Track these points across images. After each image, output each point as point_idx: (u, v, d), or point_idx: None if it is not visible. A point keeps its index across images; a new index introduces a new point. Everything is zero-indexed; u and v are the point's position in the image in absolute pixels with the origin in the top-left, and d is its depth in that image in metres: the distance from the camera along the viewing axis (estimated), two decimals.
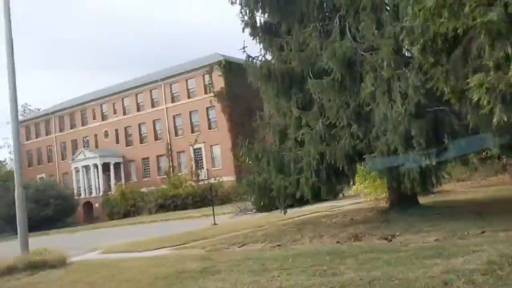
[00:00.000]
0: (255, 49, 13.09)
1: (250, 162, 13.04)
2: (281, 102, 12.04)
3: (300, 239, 9.70)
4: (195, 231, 15.88)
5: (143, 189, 46.60)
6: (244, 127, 43.91)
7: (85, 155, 50.46)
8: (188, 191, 40.59)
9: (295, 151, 11.18)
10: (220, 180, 41.33)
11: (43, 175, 57.42)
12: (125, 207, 44.15)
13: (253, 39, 12.73)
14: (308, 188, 10.86)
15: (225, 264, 7.45)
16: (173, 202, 40.82)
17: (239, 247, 10.04)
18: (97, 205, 48.98)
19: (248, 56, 12.92)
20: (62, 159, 57.02)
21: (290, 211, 14.78)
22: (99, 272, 8.17)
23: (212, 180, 42.59)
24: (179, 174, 46.29)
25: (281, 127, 12.50)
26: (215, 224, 17.93)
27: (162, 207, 41.28)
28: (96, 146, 53.01)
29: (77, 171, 51.59)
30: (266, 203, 20.93)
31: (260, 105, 45.92)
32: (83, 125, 55.58)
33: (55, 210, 42.88)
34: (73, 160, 51.75)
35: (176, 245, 12.06)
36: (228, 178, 42.14)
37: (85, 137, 55.17)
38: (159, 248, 11.81)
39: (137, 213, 43.11)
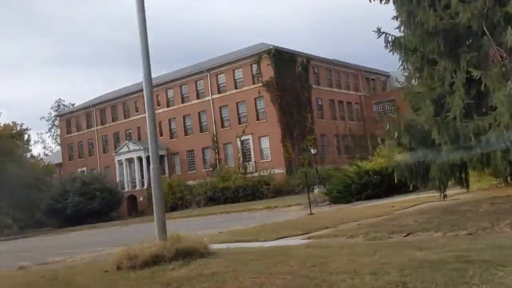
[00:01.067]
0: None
1: (400, 139, 11.41)
2: (443, 64, 10.21)
3: (490, 227, 8.25)
4: (297, 220, 14.58)
5: (189, 182, 45.75)
6: (294, 117, 42.76)
7: (129, 148, 49.81)
8: (239, 183, 39.45)
9: (474, 121, 9.42)
10: (272, 172, 40.06)
11: (84, 168, 57.06)
12: (172, 200, 43.24)
13: None
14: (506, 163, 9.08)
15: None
16: (223, 195, 39.78)
17: (405, 236, 8.66)
18: (141, 198, 48.27)
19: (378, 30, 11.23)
20: (104, 152, 56.57)
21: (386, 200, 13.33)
22: (275, 260, 6.82)
23: (261, 173, 41.45)
24: (225, 166, 45.25)
25: (435, 96, 10.66)
26: (311, 214, 16.48)
27: (212, 200, 40.32)
28: (139, 139, 52.28)
29: (120, 164, 50.99)
30: (347, 194, 19.75)
31: (308, 96, 44.85)
32: (125, 117, 54.96)
33: (101, 203, 42.34)
34: (116, 153, 51.16)
35: (301, 234, 10.76)
36: (278, 171, 40.86)
37: (128, 129, 54.54)
38: (285, 237, 10.53)
39: (185, 206, 42.23)
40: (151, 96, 9.08)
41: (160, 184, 8.99)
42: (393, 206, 14.43)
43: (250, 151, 44.43)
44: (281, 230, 11.74)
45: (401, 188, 20.85)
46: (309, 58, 45.99)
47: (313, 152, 34.69)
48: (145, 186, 48.39)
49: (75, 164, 58.72)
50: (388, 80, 59.47)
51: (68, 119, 61.74)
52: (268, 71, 42.79)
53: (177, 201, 43.03)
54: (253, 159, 43.98)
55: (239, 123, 45.18)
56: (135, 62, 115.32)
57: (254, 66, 44.08)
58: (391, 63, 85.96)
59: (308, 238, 10.06)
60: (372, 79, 56.80)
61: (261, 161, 43.43)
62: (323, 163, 44.08)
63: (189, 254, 7.70)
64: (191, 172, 48.15)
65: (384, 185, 19.73)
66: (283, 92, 42.60)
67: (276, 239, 10.53)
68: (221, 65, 46.46)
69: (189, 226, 20.79)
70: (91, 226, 36.58)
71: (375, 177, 19.60)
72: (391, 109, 52.34)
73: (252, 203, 34.27)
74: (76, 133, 59.87)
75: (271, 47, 42.50)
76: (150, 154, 8.75)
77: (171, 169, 50.20)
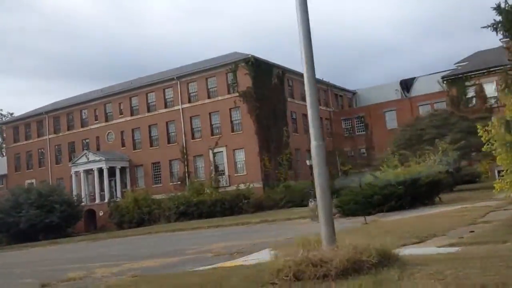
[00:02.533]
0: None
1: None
2: None
3: None
4: (362, 229, 12.60)
5: (154, 196, 42.57)
6: (271, 130, 41.07)
7: (88, 158, 45.98)
8: (216, 197, 36.92)
9: None
10: (251, 186, 37.91)
11: (33, 180, 52.26)
12: (138, 215, 39.97)
13: None
14: None
15: None
16: (197, 209, 37.10)
17: None
18: (101, 213, 44.50)
19: None
20: (57, 163, 52.15)
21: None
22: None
23: (238, 187, 39.21)
24: (195, 180, 42.61)
25: None
26: (366, 223, 14.47)
27: (184, 215, 37.50)
28: (98, 149, 48.59)
29: (77, 175, 46.93)
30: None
31: (283, 109, 43.33)
32: (82, 126, 51.03)
33: (60, 217, 38.29)
34: (73, 163, 47.07)
35: (418, 242, 8.83)
36: (255, 185, 38.76)
37: (85, 139, 50.65)
38: (405, 245, 8.54)
39: (153, 222, 39.06)
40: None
41: (327, 171, 6.73)
42: (464, 214, 12.79)
43: (223, 164, 42.13)
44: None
45: (422, 201, 19.59)
46: (284, 70, 44.70)
47: (308, 164, 32.97)
48: (106, 200, 44.77)
49: (22, 176, 53.72)
50: (354, 97, 59.43)
51: (15, 127, 56.66)
52: (245, 81, 41.00)
53: (144, 216, 39.76)
54: (226, 173, 41.69)
55: (212, 134, 42.86)
56: (70, 73, 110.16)
57: (230, 75, 42.15)
58: (356, 82, 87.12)
59: (450, 245, 8.09)
60: (340, 96, 56.46)
61: (235, 174, 41.24)
62: (297, 178, 42.64)
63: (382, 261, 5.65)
64: (156, 185, 45.03)
65: (407, 196, 18.31)
66: (261, 103, 40.89)
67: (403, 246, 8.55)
68: (192, 73, 44.13)
69: (195, 240, 18.35)
70: (51, 242, 32.71)
71: (400, 187, 18.15)
72: (360, 126, 52.06)
73: (233, 218, 31.91)
74: (25, 142, 54.96)
75: (249, 55, 40.79)
76: (313, 130, 6.54)
77: (133, 182, 46.80)
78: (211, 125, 43.07)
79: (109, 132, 48.88)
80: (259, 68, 41.36)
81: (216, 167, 42.32)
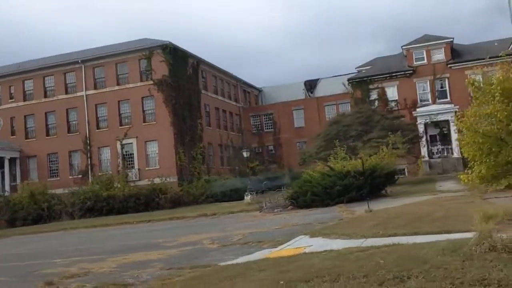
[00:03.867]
0: None
1: None
2: None
3: None
4: (363, 218, 11.86)
5: (51, 191, 38.14)
6: (186, 122, 39.31)
7: None
8: (130, 192, 34.07)
9: None
10: (166, 180, 35.66)
11: None
12: (35, 211, 35.41)
13: None
14: None
15: None
16: (107, 205, 33.92)
17: None
18: None
19: None
20: None
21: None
22: None
23: (144, 182, 36.81)
24: (99, 173, 39.18)
25: None
26: (370, 211, 13.50)
27: (90, 211, 34.08)
28: None
29: None
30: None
31: (198, 101, 41.72)
32: None
33: None
34: None
35: (444, 232, 8.25)
36: (169, 180, 36.58)
37: None
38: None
39: (53, 218, 34.95)
40: None
41: None
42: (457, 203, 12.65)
43: (133, 157, 39.21)
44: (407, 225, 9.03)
45: (376, 192, 19.61)
46: (199, 61, 43.06)
47: (245, 156, 31.67)
48: None
49: None
50: (260, 94, 59.60)
51: None
52: (161, 69, 38.60)
53: (42, 212, 35.36)
54: (136, 166, 38.85)
55: (121, 124, 39.71)
56: None
57: (143, 62, 39.40)
58: (262, 80, 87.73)
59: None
60: (248, 92, 56.19)
61: (147, 168, 38.63)
62: (209, 174, 41.36)
63: None
64: (52, 179, 40.46)
65: (366, 187, 18.16)
66: (177, 93, 38.84)
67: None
68: (100, 57, 40.47)
69: (149, 234, 16.30)
70: None
71: (360, 178, 17.92)
72: (269, 123, 52.20)
73: (153, 213, 29.65)
74: None
75: (167, 41, 38.49)
76: None
77: (25, 174, 41.62)
78: (119, 114, 39.87)
79: None
80: (176, 56, 39.25)
81: (124, 159, 39.25)
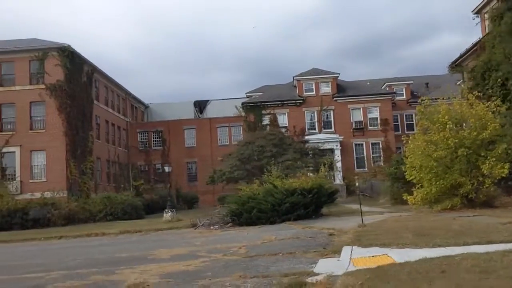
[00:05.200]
0: None
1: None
2: None
3: None
4: (361, 232, 12.20)
5: None
6: (79, 133, 36.63)
7: None
8: (16, 207, 30.07)
9: None
10: (57, 195, 32.38)
11: None
12: None
13: None
14: None
15: None
16: None
17: None
18: None
19: None
20: None
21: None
22: None
23: (27, 195, 33.17)
24: None
25: None
26: (364, 225, 13.49)
27: None
28: None
29: None
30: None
31: (90, 111, 39.22)
32: None
33: None
34: None
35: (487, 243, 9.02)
36: (58, 194, 33.31)
37: None
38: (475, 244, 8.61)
39: None
40: None
41: None
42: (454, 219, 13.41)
43: (15, 167, 34.97)
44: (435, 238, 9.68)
45: (319, 211, 20.07)
46: (94, 69, 40.47)
47: (167, 171, 29.93)
48: None
49: None
50: (147, 110, 57.86)
51: None
52: (55, 73, 35.43)
53: None
54: (18, 178, 34.68)
55: (1, 130, 35.30)
56: None
57: (34, 63, 35.78)
58: (147, 96, 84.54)
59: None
60: (135, 107, 54.18)
61: (31, 181, 34.77)
62: (97, 190, 38.81)
63: None
64: None
65: (312, 205, 18.71)
66: (72, 101, 35.91)
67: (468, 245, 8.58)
68: None
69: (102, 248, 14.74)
70: None
71: (309, 195, 18.35)
72: (157, 140, 50.79)
73: (46, 230, 26.62)
74: None
75: (66, 44, 35.55)
76: None
77: None
78: (1, 119, 35.45)
79: None
80: (72, 61, 36.41)
81: (3, 170, 34.81)
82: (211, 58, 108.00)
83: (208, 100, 59.13)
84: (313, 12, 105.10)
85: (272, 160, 28.85)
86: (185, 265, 9.27)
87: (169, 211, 25.65)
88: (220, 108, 55.62)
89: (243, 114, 51.98)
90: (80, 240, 19.77)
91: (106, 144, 43.25)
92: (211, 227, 20.06)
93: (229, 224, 19.70)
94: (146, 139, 50.83)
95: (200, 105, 58.56)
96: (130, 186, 48.12)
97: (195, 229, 20.19)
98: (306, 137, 45.51)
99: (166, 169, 30.52)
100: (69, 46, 35.58)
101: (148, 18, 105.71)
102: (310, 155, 29.19)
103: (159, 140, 50.71)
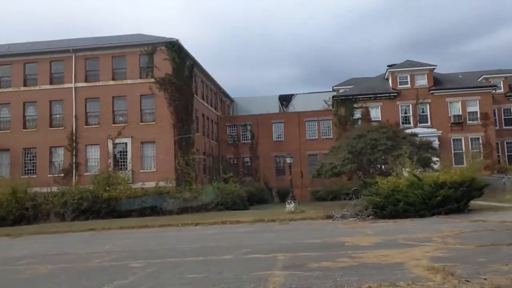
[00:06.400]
0: None
1: None
2: None
3: None
4: None
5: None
6: (184, 126, 37.63)
7: None
8: (135, 194, 31.49)
9: None
10: (169, 184, 33.59)
11: None
12: (17, 211, 31.56)
13: None
14: None
15: None
16: (107, 207, 31.14)
17: None
18: None
19: None
20: None
21: None
22: None
23: (138, 184, 34.48)
24: (85, 173, 36.17)
25: None
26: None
27: (85, 213, 31.03)
28: None
29: None
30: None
31: (192, 105, 40.11)
32: None
33: None
34: None
35: None
36: (169, 184, 34.53)
37: None
38: None
39: (39, 219, 31.36)
40: None
41: None
42: None
43: (126, 158, 36.54)
44: None
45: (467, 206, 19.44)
46: (194, 63, 41.46)
47: (289, 162, 30.39)
48: None
49: None
50: (232, 105, 58.69)
51: None
52: (164, 67, 36.63)
53: (26, 211, 31.61)
54: (129, 168, 36.21)
55: (114, 122, 36.95)
56: None
57: (144, 58, 37.16)
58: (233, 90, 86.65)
59: None
60: (223, 101, 55.09)
61: (141, 170, 36.17)
62: (196, 182, 39.77)
63: None
64: (28, 176, 36.42)
65: (464, 199, 18.21)
66: (179, 94, 37.02)
67: None
68: (94, 48, 37.58)
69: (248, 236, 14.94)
70: None
71: (462, 189, 17.89)
72: (246, 134, 51.37)
73: (159, 218, 27.62)
74: None
75: (175, 39, 36.66)
76: None
77: None
78: (113, 111, 37.09)
79: None
80: (179, 56, 37.51)
81: (116, 160, 36.47)
82: (269, 54, 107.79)
83: (293, 94, 59.16)
84: (375, 6, 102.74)
85: (383, 154, 28.45)
86: (423, 251, 9.22)
87: (292, 202, 25.86)
88: (306, 102, 55.54)
89: (331, 108, 51.68)
90: (222, 227, 20.28)
91: (202, 137, 44.28)
92: (350, 219, 19.98)
93: (370, 217, 19.55)
94: (234, 132, 51.56)
95: (285, 99, 58.71)
96: (220, 179, 49.09)
97: (332, 220, 20.21)
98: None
99: (288, 160, 30.64)
100: (177, 40, 36.65)
101: (210, 15, 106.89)
102: (422, 148, 28.49)
103: (248, 134, 51.30)
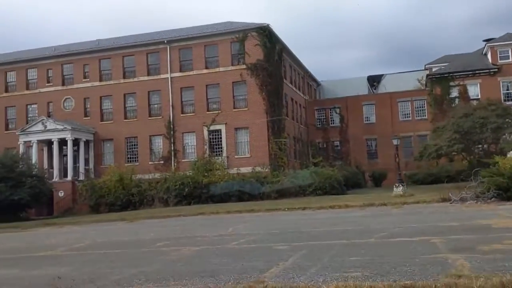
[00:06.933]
0: None
1: None
2: None
3: None
4: None
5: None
6: (275, 111, 37.50)
7: (45, 126, 37.58)
8: (234, 179, 32.14)
9: None
10: (264, 169, 33.87)
11: None
12: (124, 197, 33.43)
13: None
14: None
15: None
16: (207, 192, 32.01)
17: None
18: (61, 193, 36.52)
19: None
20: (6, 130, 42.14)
21: None
22: None
23: (233, 170, 34.91)
24: (182, 160, 37.39)
25: None
26: None
27: (187, 198, 32.07)
28: (49, 116, 40.12)
29: (29, 146, 38.19)
30: None
31: (281, 90, 39.77)
32: (28, 88, 41.92)
33: (31, 194, 30.30)
34: (23, 131, 38.20)
35: None
36: (264, 169, 34.77)
37: (31, 104, 41.68)
38: None
39: (144, 205, 32.95)
40: None
41: None
42: None
43: (221, 144, 37.28)
44: None
45: None
46: (283, 47, 41.15)
47: (395, 144, 29.79)
48: (69, 177, 37.06)
49: None
50: (319, 88, 57.88)
51: None
52: (255, 53, 36.76)
53: (133, 197, 33.37)
54: (224, 154, 36.92)
55: (208, 109, 37.79)
56: None
57: (235, 45, 37.49)
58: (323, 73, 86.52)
59: None
60: (310, 85, 54.44)
61: (236, 156, 36.74)
62: (288, 166, 39.61)
63: None
64: (131, 164, 38.32)
65: None
66: (271, 79, 37.00)
67: None
68: (188, 38, 38.50)
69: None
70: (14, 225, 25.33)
71: None
72: (335, 117, 50.41)
73: (260, 203, 27.82)
74: None
75: (266, 24, 36.64)
76: None
77: (99, 158, 39.52)
78: (207, 99, 37.94)
79: (66, 98, 40.74)
80: (270, 41, 37.42)
81: (211, 146, 37.33)
82: (339, 36, 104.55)
83: (383, 75, 57.19)
84: None
85: (493, 133, 26.67)
86: None
87: (400, 186, 25.01)
88: (396, 82, 53.41)
89: (423, 87, 49.41)
90: (332, 212, 20.02)
91: (292, 121, 44.09)
92: (469, 202, 18.91)
93: (492, 199, 18.37)
94: (323, 116, 50.84)
95: (374, 80, 56.94)
96: (310, 163, 48.72)
97: (450, 203, 19.23)
98: None
99: (395, 141, 29.53)
100: (268, 25, 36.59)
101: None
102: None
103: (337, 117, 50.36)
